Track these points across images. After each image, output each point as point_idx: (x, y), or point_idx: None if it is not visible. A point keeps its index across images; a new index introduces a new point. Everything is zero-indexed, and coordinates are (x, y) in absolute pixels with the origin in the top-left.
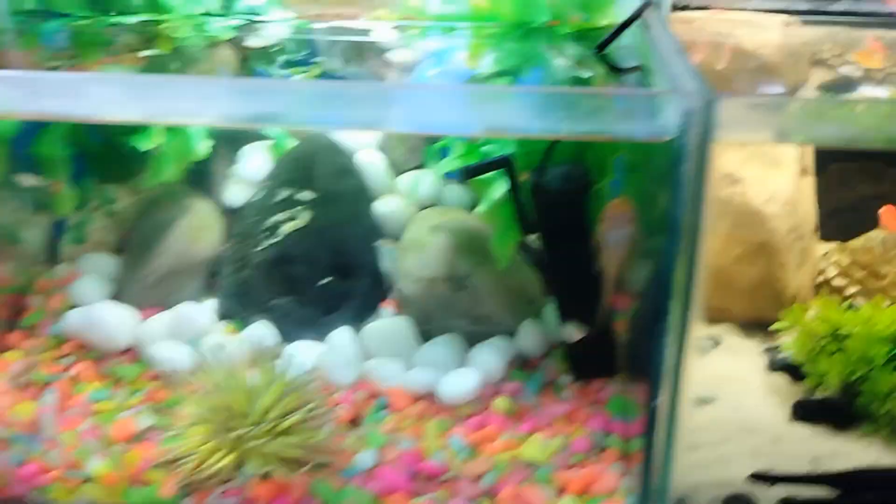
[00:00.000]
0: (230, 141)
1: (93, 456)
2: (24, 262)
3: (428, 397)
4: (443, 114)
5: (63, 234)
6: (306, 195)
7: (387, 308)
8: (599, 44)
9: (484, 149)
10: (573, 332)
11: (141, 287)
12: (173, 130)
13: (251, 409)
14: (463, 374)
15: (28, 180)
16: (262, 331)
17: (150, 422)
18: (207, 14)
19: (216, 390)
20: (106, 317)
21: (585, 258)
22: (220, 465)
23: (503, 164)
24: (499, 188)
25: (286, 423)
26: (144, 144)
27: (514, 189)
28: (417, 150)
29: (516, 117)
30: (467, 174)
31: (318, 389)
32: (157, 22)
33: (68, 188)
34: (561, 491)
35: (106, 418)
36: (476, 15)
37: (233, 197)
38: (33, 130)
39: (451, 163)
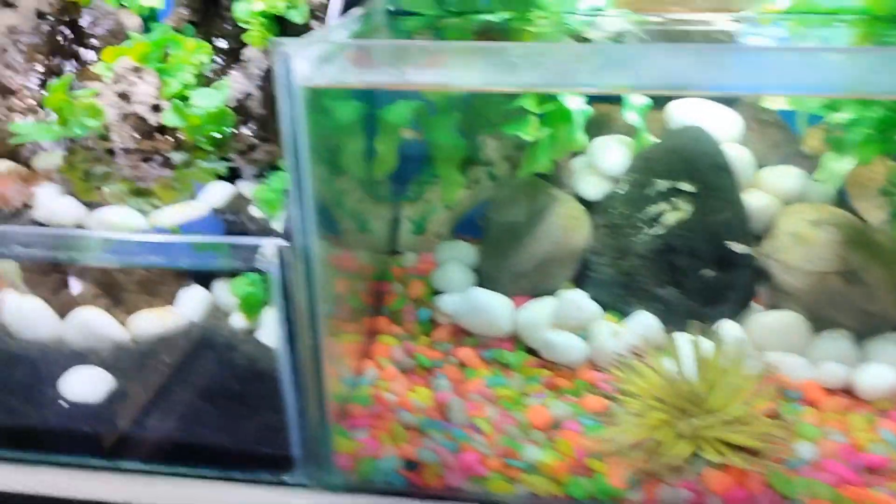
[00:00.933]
0: None
1: (525, 444)
2: (376, 251)
3: (841, 391)
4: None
5: (399, 224)
6: (686, 186)
7: (757, 303)
8: None
9: None
10: None
11: (511, 275)
12: (557, 119)
13: (711, 396)
14: (881, 369)
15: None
16: (647, 320)
17: (565, 409)
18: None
19: (669, 377)
20: (487, 303)
21: None
22: (677, 453)
23: None
24: None
25: (741, 412)
26: (526, 133)
27: None
28: (779, 145)
29: None
30: None
31: (765, 378)
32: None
33: (455, 175)
34: None
35: (511, 405)
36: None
37: (588, 189)
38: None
39: None
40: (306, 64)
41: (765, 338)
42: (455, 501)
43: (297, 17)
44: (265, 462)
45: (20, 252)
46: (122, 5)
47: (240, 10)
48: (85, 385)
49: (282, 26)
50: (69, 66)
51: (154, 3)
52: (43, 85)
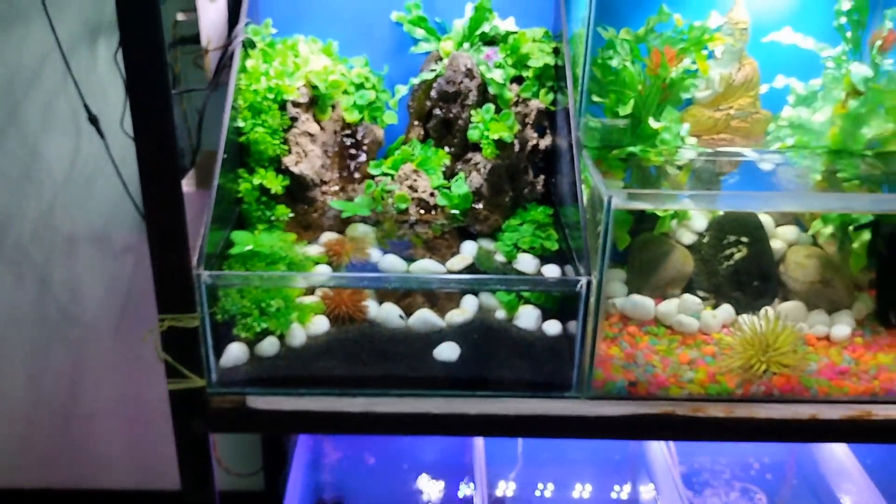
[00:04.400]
0: None
1: (682, 370)
2: None
3: (825, 338)
4: None
5: None
6: (741, 238)
7: (780, 298)
8: None
9: None
10: None
11: (651, 287)
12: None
13: (772, 341)
14: (842, 327)
15: None
16: (728, 309)
17: (694, 354)
18: (672, 144)
19: (751, 332)
20: (641, 301)
21: None
22: (758, 369)
23: None
24: None
25: (786, 349)
26: (664, 226)
27: None
28: (784, 216)
29: None
30: None
31: (792, 333)
32: None
33: (623, 234)
34: None
35: (667, 353)
36: None
37: (684, 238)
38: None
39: None
40: (617, 199)
41: (786, 314)
42: (655, 400)
43: (508, 138)
44: (553, 386)
45: (386, 284)
46: (373, 120)
47: (474, 135)
48: (447, 351)
49: (497, 144)
50: (352, 163)
51: (393, 121)
52: (341, 177)
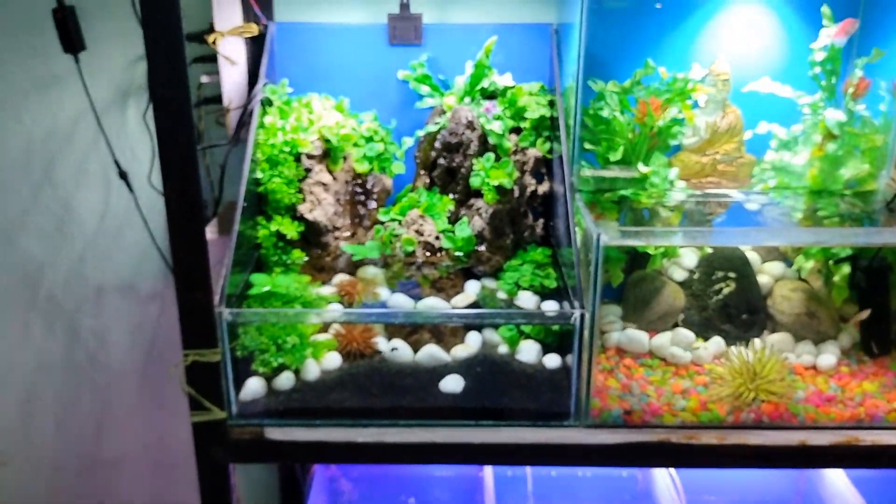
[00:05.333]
0: None
1: (675, 399)
2: None
3: (811, 368)
4: None
5: None
6: (729, 273)
7: (768, 330)
8: None
9: None
10: None
11: (646, 321)
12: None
13: (760, 370)
14: (828, 357)
15: None
16: (718, 341)
17: (687, 383)
18: (661, 187)
19: (739, 363)
20: (635, 335)
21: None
22: (746, 397)
23: None
24: None
25: (774, 377)
26: (656, 263)
27: None
28: (770, 251)
29: None
30: None
31: (780, 362)
32: None
33: (617, 271)
34: None
35: (661, 383)
36: None
37: (676, 275)
38: None
39: None
40: (605, 237)
41: (774, 345)
42: (650, 428)
43: (508, 185)
44: (552, 416)
45: (394, 320)
46: (382, 170)
47: (476, 182)
48: (452, 384)
49: (497, 190)
50: (363, 210)
51: (400, 171)
52: (352, 223)
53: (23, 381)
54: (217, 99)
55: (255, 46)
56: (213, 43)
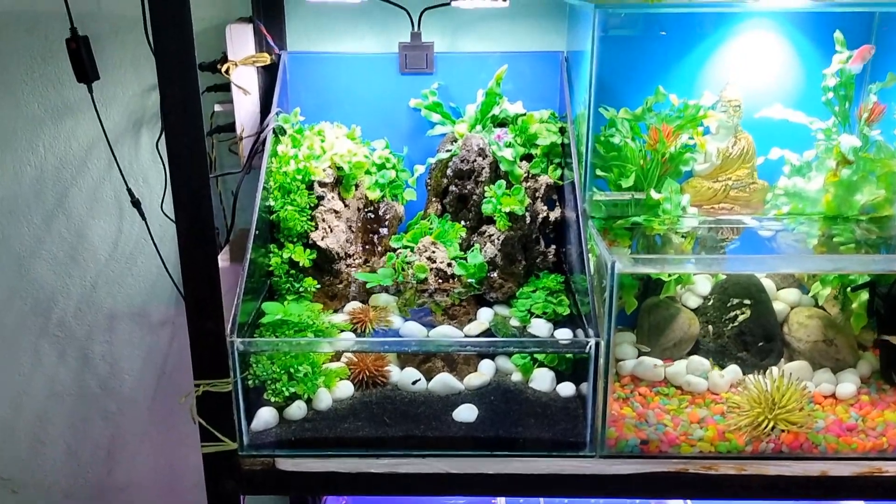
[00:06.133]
0: None
1: (692, 429)
2: None
3: (831, 396)
4: None
5: None
6: (745, 300)
7: (785, 358)
8: None
9: None
10: None
11: (661, 348)
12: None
13: (779, 400)
14: (848, 385)
15: None
16: (734, 369)
17: (704, 412)
18: (674, 214)
19: (757, 391)
20: (649, 361)
21: None
22: (765, 427)
23: None
24: None
25: (793, 406)
26: (670, 290)
27: None
28: (786, 279)
29: None
30: None
31: (798, 390)
32: None
33: (630, 298)
34: None
35: (678, 412)
36: None
37: (690, 302)
38: None
39: None
40: (620, 264)
41: (792, 373)
42: (667, 458)
43: (520, 211)
44: (567, 445)
45: (408, 349)
46: (394, 198)
47: (488, 209)
48: (466, 413)
49: (509, 216)
50: (375, 238)
51: (412, 198)
52: (364, 250)
53: (34, 407)
54: (230, 127)
55: (268, 75)
56: (226, 72)
